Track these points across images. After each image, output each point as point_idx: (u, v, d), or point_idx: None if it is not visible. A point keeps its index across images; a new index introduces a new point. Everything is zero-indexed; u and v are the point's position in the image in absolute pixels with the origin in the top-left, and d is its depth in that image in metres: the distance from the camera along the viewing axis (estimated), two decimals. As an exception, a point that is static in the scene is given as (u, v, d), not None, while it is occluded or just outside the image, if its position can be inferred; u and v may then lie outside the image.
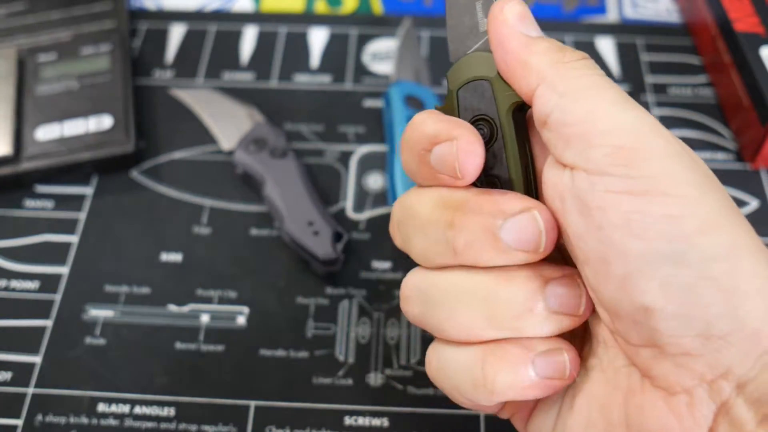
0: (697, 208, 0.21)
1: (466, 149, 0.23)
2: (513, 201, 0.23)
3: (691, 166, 0.21)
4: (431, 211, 0.25)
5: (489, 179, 0.25)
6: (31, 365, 0.37)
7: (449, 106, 0.26)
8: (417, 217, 0.25)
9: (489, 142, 0.25)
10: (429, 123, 0.25)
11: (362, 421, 0.35)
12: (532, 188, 0.25)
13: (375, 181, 0.43)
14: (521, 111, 0.25)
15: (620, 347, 0.23)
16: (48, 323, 0.38)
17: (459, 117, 0.26)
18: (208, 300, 0.39)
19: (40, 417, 0.35)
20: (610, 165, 0.21)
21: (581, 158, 0.22)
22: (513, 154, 0.25)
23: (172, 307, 0.39)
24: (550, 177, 0.24)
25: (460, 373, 0.25)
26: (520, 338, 0.24)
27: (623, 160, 0.21)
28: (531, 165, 0.25)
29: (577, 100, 0.22)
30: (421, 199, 0.25)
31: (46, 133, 0.43)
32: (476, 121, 0.25)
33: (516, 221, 0.23)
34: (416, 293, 0.26)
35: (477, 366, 0.24)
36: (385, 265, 0.40)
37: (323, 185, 0.43)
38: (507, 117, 0.25)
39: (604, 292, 0.22)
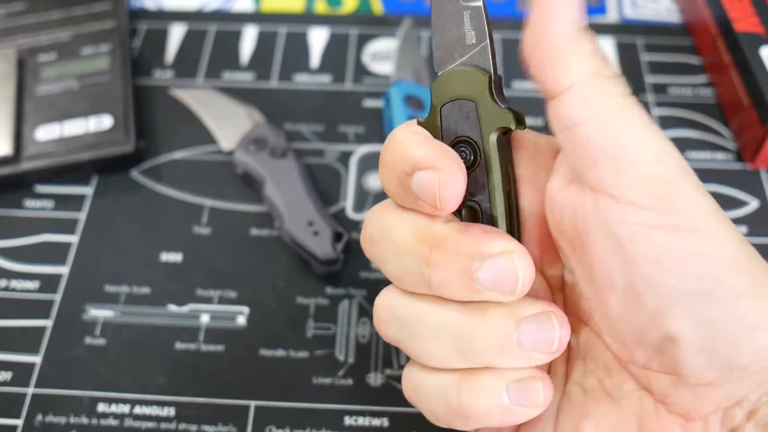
0: (724, 245, 0.21)
1: (448, 183, 0.23)
2: (492, 242, 0.23)
3: (711, 199, 0.22)
4: (408, 241, 0.24)
5: (469, 205, 0.25)
6: (31, 365, 0.37)
7: (432, 122, 0.25)
8: (393, 243, 0.24)
9: (471, 166, 0.24)
10: (413, 146, 0.23)
11: (362, 421, 0.35)
12: (514, 216, 0.25)
13: (375, 181, 0.43)
14: (505, 134, 0.25)
15: (631, 373, 0.23)
16: (48, 323, 0.38)
17: (441, 135, 0.25)
18: (208, 300, 0.39)
19: (40, 417, 0.35)
20: (640, 196, 0.21)
21: (609, 184, 0.22)
22: (496, 181, 0.24)
23: (172, 307, 0.39)
24: (566, 198, 0.23)
25: (435, 397, 0.25)
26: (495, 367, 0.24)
27: (653, 192, 0.21)
28: (513, 191, 0.25)
29: (611, 119, 0.22)
30: (399, 224, 0.24)
31: (46, 133, 0.43)
32: (459, 143, 0.25)
33: (494, 264, 0.22)
34: (390, 317, 0.26)
35: (452, 392, 0.24)
36: (385, 265, 0.40)
37: (323, 185, 0.43)
38: (491, 144, 0.24)
39: (630, 320, 0.22)
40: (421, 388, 0.25)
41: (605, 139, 0.22)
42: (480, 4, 0.24)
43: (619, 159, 0.21)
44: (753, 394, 0.21)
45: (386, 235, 0.25)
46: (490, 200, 0.24)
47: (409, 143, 0.24)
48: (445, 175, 0.23)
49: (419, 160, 0.23)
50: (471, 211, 0.25)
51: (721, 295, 0.21)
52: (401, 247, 0.24)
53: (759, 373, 0.21)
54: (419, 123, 0.25)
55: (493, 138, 0.24)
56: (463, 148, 0.24)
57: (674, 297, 0.21)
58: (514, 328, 0.23)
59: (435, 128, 0.25)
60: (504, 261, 0.22)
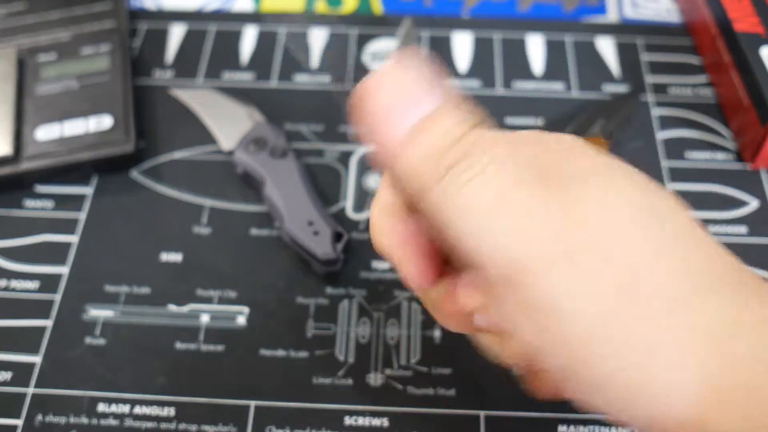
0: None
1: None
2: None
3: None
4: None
5: None
6: (31, 365, 0.37)
7: None
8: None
9: None
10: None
11: (362, 421, 0.35)
12: None
13: (375, 182, 0.43)
14: None
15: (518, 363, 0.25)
16: (48, 323, 0.38)
17: None
18: (208, 300, 0.39)
19: (40, 417, 0.35)
20: (502, 288, 0.20)
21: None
22: None
23: (172, 307, 0.39)
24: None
25: None
26: None
27: (508, 285, 0.20)
28: None
29: (457, 229, 0.21)
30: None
31: (46, 133, 0.43)
32: None
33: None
34: None
35: None
36: (385, 265, 0.40)
37: (323, 185, 0.43)
38: None
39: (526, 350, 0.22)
40: None
41: (463, 252, 0.22)
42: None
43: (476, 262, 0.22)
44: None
45: None
46: None
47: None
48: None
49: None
50: None
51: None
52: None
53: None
54: None
55: None
56: None
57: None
58: None
59: None
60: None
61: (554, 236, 0.19)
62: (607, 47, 0.49)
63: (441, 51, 0.50)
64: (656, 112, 0.46)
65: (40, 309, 0.39)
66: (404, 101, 0.21)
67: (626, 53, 0.49)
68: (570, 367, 0.20)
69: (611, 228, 0.20)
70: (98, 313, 0.39)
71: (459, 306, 0.24)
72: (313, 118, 0.46)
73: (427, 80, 0.21)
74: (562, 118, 0.45)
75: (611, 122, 0.44)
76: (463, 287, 0.24)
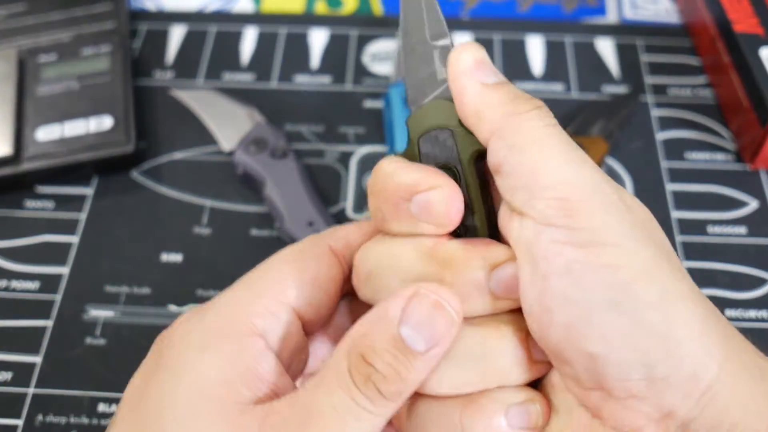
0: (633, 258, 0.22)
1: (452, 198, 0.24)
2: (498, 252, 0.24)
3: (627, 218, 0.22)
4: (416, 265, 0.24)
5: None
6: (32, 365, 0.37)
7: (411, 154, 0.26)
8: (399, 271, 0.25)
9: None
10: (404, 172, 0.24)
11: (362, 421, 0.35)
12: (496, 234, 0.25)
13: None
14: (481, 157, 0.25)
15: (571, 390, 0.24)
16: (48, 323, 0.38)
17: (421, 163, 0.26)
18: (208, 300, 0.39)
19: (40, 417, 0.35)
20: (553, 216, 0.22)
21: (527, 207, 0.23)
22: (477, 202, 0.25)
23: (173, 307, 0.39)
24: (507, 226, 0.24)
25: (436, 426, 0.24)
26: (494, 389, 0.24)
27: (565, 212, 0.22)
28: (493, 209, 0.26)
29: (524, 152, 0.23)
30: (401, 251, 0.25)
31: (46, 133, 0.43)
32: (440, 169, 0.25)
33: (503, 272, 0.23)
34: None
35: (455, 418, 0.24)
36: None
37: (323, 186, 0.43)
38: (469, 166, 0.25)
39: (550, 340, 0.23)
40: (423, 421, 0.25)
41: (521, 172, 0.23)
42: (448, 42, 0.26)
43: (533, 186, 0.23)
44: (681, 406, 0.21)
45: (389, 265, 0.25)
46: (473, 219, 0.25)
47: (400, 171, 0.25)
48: (446, 191, 0.24)
49: (415, 183, 0.24)
50: (455, 232, 0.25)
51: (629, 305, 0.21)
52: (409, 273, 0.24)
53: (681, 384, 0.21)
54: (398, 155, 0.26)
55: (470, 161, 0.25)
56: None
57: (583, 310, 0.21)
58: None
59: (414, 159, 0.26)
60: (511, 267, 0.23)
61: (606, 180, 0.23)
62: (606, 48, 0.50)
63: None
64: (656, 112, 0.46)
65: (41, 309, 0.39)
66: (487, 65, 0.25)
67: (626, 54, 0.49)
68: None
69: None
70: (98, 313, 0.39)
71: (484, 253, 0.24)
72: (314, 118, 0.46)
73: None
74: (562, 119, 0.45)
75: (611, 123, 0.44)
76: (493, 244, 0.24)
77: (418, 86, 0.26)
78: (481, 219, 0.25)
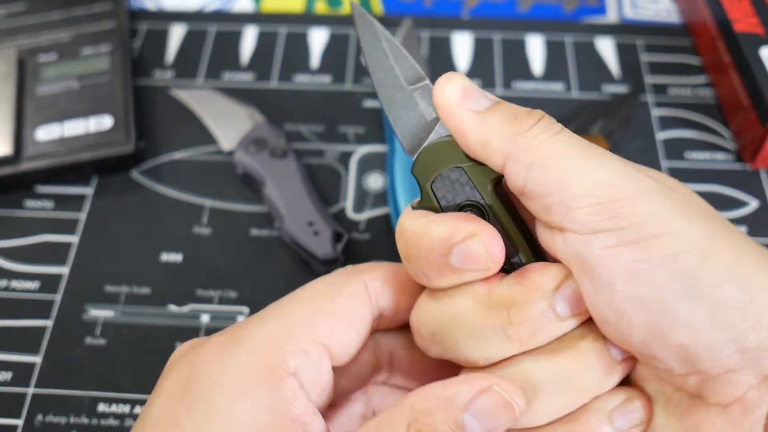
0: (689, 240, 0.21)
1: (492, 241, 0.23)
2: (551, 273, 0.23)
3: (670, 200, 0.22)
4: (478, 317, 0.24)
5: None
6: (32, 365, 0.37)
7: (428, 203, 0.25)
8: (464, 325, 0.24)
9: None
10: (434, 228, 0.24)
11: (362, 421, 0.35)
12: (538, 252, 0.25)
13: (375, 182, 0.43)
14: (499, 183, 0.25)
15: (665, 380, 0.24)
16: (48, 323, 0.38)
17: (441, 210, 0.25)
18: (208, 300, 0.39)
19: (40, 417, 0.35)
20: (596, 222, 0.22)
21: (567, 221, 0.22)
22: (512, 230, 0.25)
23: (172, 307, 0.39)
24: (542, 239, 0.24)
25: None
26: (591, 402, 0.24)
27: (608, 214, 0.22)
28: (527, 230, 0.25)
29: (544, 169, 0.23)
30: (460, 306, 0.24)
31: (46, 133, 0.43)
32: (462, 209, 0.25)
33: (566, 291, 0.23)
34: None
35: None
36: (385, 265, 0.40)
37: (323, 185, 0.43)
38: (492, 197, 0.25)
39: (633, 342, 0.22)
40: None
41: (548, 189, 0.23)
42: (428, 83, 0.25)
43: (567, 199, 0.22)
44: None
45: (451, 325, 0.25)
46: (514, 245, 0.25)
47: (428, 228, 0.24)
48: (484, 236, 0.23)
49: (449, 236, 0.24)
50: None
51: (703, 288, 0.21)
52: (474, 328, 0.24)
53: None
54: (415, 208, 0.26)
55: (492, 192, 0.25)
56: (468, 212, 0.25)
57: (660, 306, 0.21)
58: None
59: (433, 206, 0.25)
60: (571, 285, 0.23)
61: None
62: (606, 48, 0.50)
63: (441, 51, 0.50)
64: (656, 112, 0.46)
65: (41, 309, 0.39)
66: (474, 91, 0.25)
67: (626, 54, 0.49)
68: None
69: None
70: (98, 313, 0.39)
71: (539, 282, 0.23)
72: (313, 118, 0.46)
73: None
74: (562, 119, 0.45)
75: (611, 122, 0.44)
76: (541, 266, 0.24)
77: (411, 133, 0.25)
78: (522, 246, 0.25)
